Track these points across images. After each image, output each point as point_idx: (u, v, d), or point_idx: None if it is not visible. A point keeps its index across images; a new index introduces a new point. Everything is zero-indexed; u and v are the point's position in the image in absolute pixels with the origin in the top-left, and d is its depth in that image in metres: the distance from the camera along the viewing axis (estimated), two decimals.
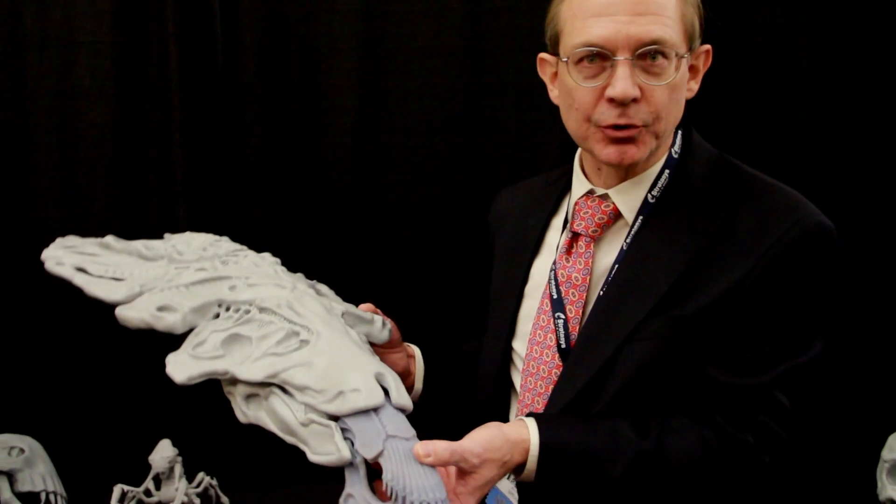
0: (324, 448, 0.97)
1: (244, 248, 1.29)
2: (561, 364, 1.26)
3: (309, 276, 2.11)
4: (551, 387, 1.26)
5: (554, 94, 1.32)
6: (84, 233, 2.01)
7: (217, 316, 1.12)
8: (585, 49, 1.17)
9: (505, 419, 1.36)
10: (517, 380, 1.36)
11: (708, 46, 1.25)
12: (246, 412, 1.04)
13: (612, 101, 1.17)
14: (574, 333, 1.25)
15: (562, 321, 1.27)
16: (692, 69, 1.24)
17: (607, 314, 1.22)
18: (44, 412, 2.02)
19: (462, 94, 2.06)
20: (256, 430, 2.10)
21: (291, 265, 2.11)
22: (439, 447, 1.01)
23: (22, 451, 1.74)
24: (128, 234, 2.03)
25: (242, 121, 2.06)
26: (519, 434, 1.12)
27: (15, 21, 2.00)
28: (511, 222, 1.47)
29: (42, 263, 1.23)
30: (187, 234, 1.33)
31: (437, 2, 2.02)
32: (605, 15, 1.16)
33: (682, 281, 1.17)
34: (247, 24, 2.02)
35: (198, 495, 1.78)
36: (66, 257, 1.21)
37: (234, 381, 1.04)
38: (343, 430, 0.97)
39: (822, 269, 1.18)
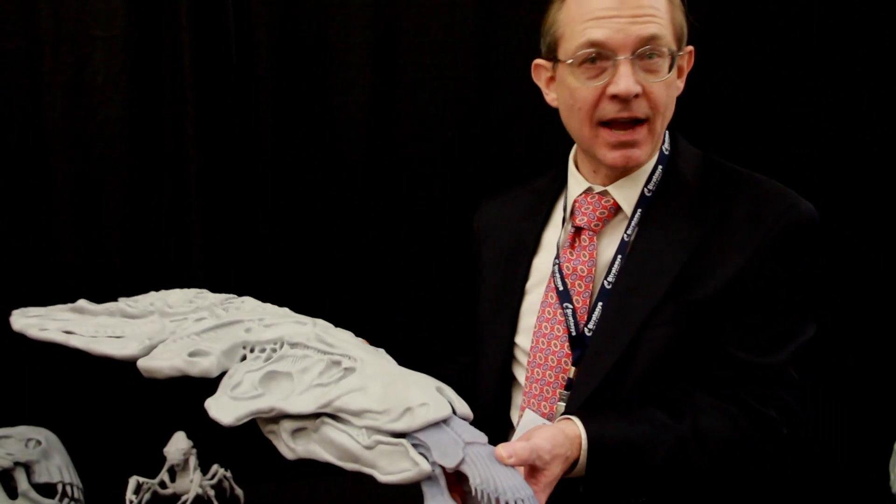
0: (397, 466, 0.95)
1: (232, 295, 1.27)
2: (570, 352, 1.30)
3: (322, 272, 2.13)
4: (562, 374, 1.32)
5: (550, 97, 1.41)
6: (99, 226, 2.06)
7: (244, 358, 1.09)
8: (589, 50, 1.24)
9: (507, 415, 1.40)
10: (520, 373, 1.39)
11: (691, 48, 1.33)
12: (294, 448, 1.01)
13: (614, 98, 1.25)
14: (582, 322, 1.30)
15: (570, 311, 1.32)
16: (679, 69, 1.32)
17: (622, 303, 1.27)
18: (60, 405, 2.04)
19: (475, 87, 2.06)
20: None
21: (304, 261, 2.13)
22: (518, 447, 1.04)
23: (39, 442, 1.75)
24: (142, 228, 2.07)
25: (256, 115, 2.07)
26: (573, 430, 1.15)
27: (30, 17, 2.01)
28: (501, 229, 1.53)
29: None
30: (160, 292, 1.29)
31: None
32: (605, 17, 1.24)
33: (689, 268, 1.26)
34: (260, 19, 2.03)
35: (212, 487, 1.80)
36: (45, 323, 1.15)
37: (278, 419, 1.01)
38: (415, 446, 0.95)
39: (814, 251, 1.28)
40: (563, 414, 1.27)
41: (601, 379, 1.25)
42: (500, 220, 1.56)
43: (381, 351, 1.16)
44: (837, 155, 1.99)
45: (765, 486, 1.35)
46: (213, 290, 2.04)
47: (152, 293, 1.27)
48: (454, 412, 1.01)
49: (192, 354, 1.06)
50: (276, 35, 2.04)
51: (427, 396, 0.99)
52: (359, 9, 2.03)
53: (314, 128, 2.08)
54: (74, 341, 1.11)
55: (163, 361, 1.06)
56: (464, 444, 0.97)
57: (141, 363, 1.07)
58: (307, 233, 2.11)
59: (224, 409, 1.01)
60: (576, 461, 1.14)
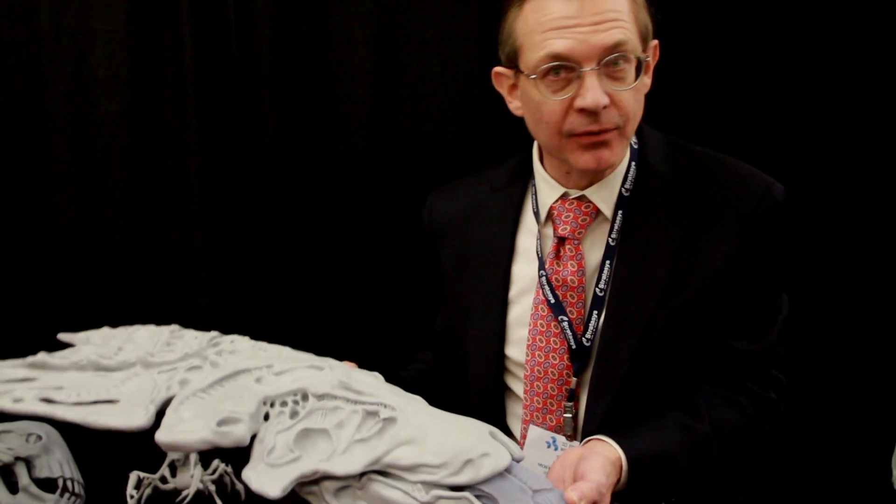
0: None
1: (215, 333, 1.16)
2: (571, 364, 1.29)
3: (322, 272, 2.12)
4: (564, 387, 1.30)
5: (514, 105, 1.37)
6: (99, 224, 2.05)
7: (267, 416, 1.00)
8: (551, 63, 1.19)
9: (503, 424, 1.39)
10: (514, 384, 1.38)
11: (656, 42, 1.30)
12: None
13: (582, 110, 1.20)
14: (579, 333, 1.28)
15: (566, 323, 1.30)
16: (646, 66, 1.27)
17: (619, 311, 1.26)
18: None
19: (477, 82, 2.05)
20: None
21: (304, 261, 2.13)
22: (586, 489, 1.02)
23: (39, 437, 1.74)
24: (143, 224, 2.07)
25: (257, 110, 2.06)
26: (613, 454, 1.15)
27: (30, 11, 2.01)
28: (460, 228, 1.48)
29: None
30: (119, 330, 1.17)
31: None
32: (565, 28, 1.19)
33: (678, 267, 1.25)
34: (261, 14, 2.03)
35: (213, 482, 1.79)
36: (14, 390, 1.02)
37: (319, 480, 0.95)
38: (478, 497, 0.91)
39: (787, 229, 1.30)
40: (578, 430, 1.27)
41: (616, 391, 1.25)
42: (455, 217, 1.51)
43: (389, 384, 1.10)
44: (837, 155, 1.99)
45: (766, 484, 1.36)
46: (213, 291, 2.07)
47: (105, 329, 1.15)
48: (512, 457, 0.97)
49: (221, 424, 0.96)
50: (278, 30, 2.04)
51: (486, 445, 0.94)
52: (360, 3, 2.03)
53: (315, 126, 2.08)
54: (63, 413, 0.99)
55: (188, 435, 0.95)
56: (532, 493, 0.93)
57: (161, 438, 0.96)
58: (307, 233, 2.10)
59: (266, 479, 0.93)
60: (617, 481, 1.15)
